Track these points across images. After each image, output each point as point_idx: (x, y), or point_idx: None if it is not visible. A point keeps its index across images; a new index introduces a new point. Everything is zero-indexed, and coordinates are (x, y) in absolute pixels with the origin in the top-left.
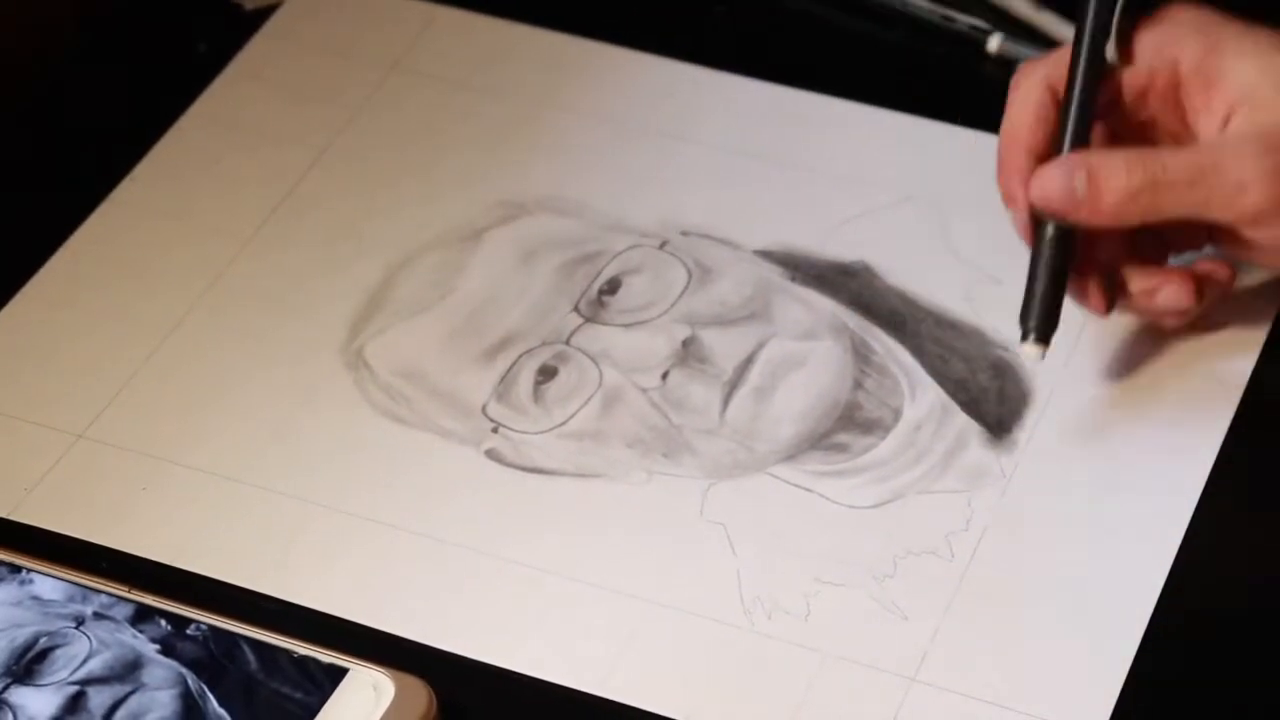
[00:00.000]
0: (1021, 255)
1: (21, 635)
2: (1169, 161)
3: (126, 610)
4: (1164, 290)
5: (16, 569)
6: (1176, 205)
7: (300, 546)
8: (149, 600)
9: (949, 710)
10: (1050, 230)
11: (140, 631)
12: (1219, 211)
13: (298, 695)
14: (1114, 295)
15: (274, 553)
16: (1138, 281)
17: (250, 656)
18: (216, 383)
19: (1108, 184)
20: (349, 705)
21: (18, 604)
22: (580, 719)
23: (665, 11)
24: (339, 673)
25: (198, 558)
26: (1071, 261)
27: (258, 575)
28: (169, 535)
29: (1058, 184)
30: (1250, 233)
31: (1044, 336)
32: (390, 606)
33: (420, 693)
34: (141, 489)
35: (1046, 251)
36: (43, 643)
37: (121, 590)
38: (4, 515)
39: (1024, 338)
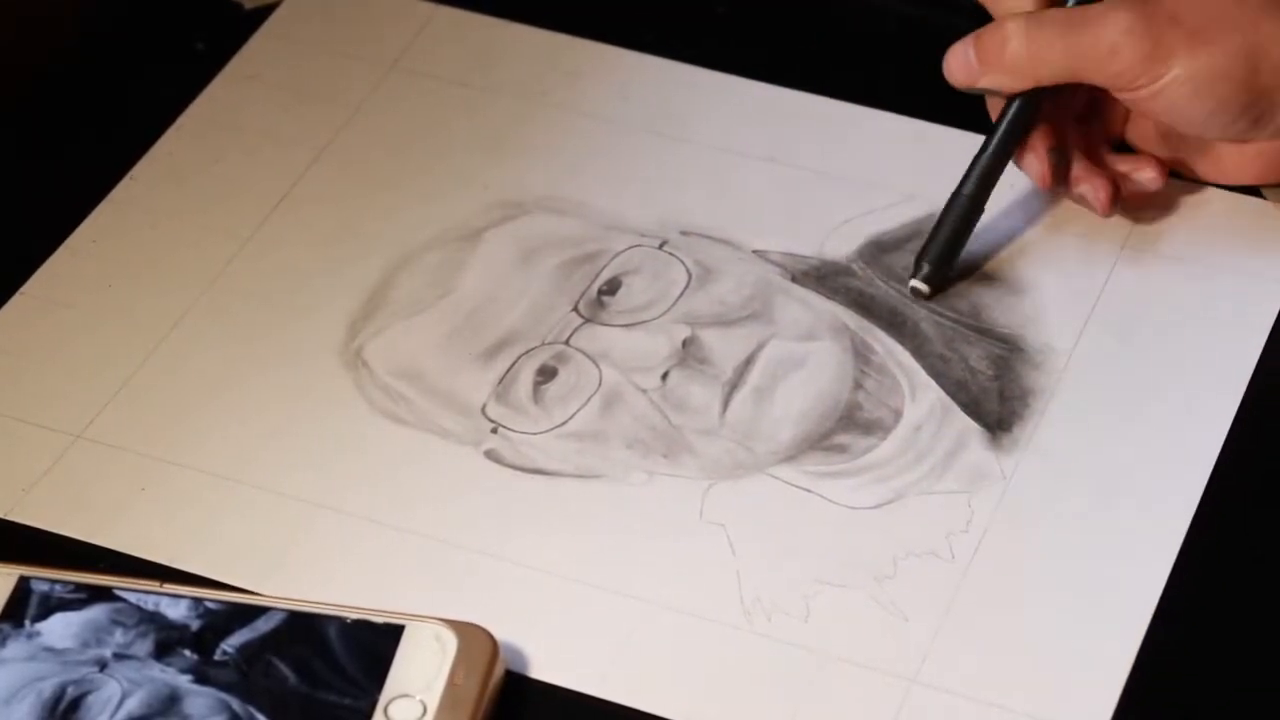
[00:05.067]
0: (1022, 255)
1: (47, 688)
2: (1046, 22)
3: (147, 646)
4: (1082, 184)
5: (20, 624)
6: (1059, 68)
7: (299, 547)
8: (184, 592)
9: (949, 711)
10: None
11: (167, 665)
12: (1098, 76)
13: (356, 673)
14: (1060, 172)
15: (272, 553)
16: (1118, 164)
17: (290, 670)
18: (215, 382)
19: (996, 51)
20: (417, 660)
21: (31, 658)
22: (579, 719)
23: (665, 11)
24: (396, 631)
25: (196, 558)
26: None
27: (256, 576)
28: (167, 535)
29: (957, 59)
30: (1139, 104)
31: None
32: (388, 606)
33: (483, 638)
34: (140, 489)
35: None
36: (71, 692)
37: (153, 586)
38: (1, 516)
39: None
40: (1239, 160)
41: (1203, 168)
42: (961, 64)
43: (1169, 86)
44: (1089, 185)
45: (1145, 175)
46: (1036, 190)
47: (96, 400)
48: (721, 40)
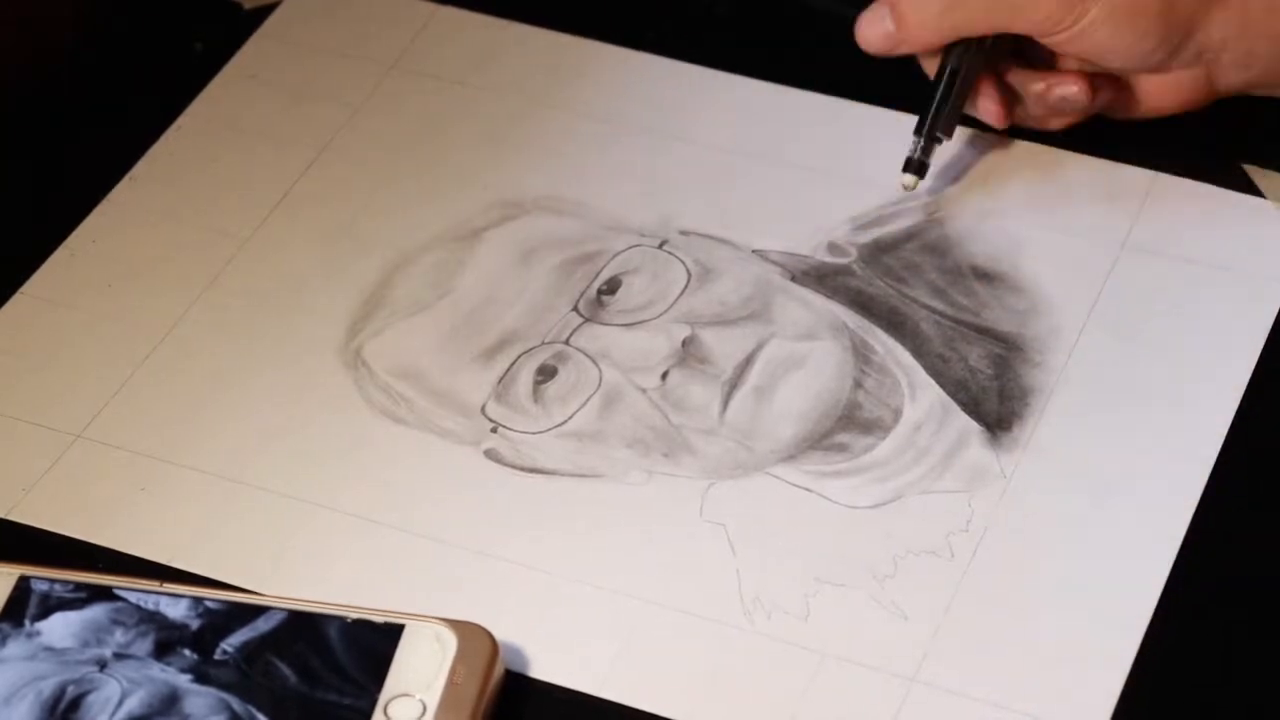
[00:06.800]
0: (1022, 255)
1: (47, 687)
2: None
3: (147, 645)
4: (1058, 88)
5: (20, 624)
6: (981, 23)
7: (298, 547)
8: (184, 591)
9: (949, 710)
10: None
11: (167, 664)
12: (1022, 24)
13: (356, 672)
14: (1010, 105)
15: (272, 553)
16: (1031, 84)
17: (290, 670)
18: (215, 383)
19: (913, 17)
20: (417, 660)
21: (32, 657)
22: (579, 719)
23: (665, 11)
24: (396, 631)
25: (196, 558)
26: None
27: (256, 576)
28: (167, 535)
29: (872, 28)
30: (1063, 46)
31: (919, 170)
32: (388, 606)
33: (483, 638)
34: (140, 489)
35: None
36: (71, 691)
37: (153, 586)
38: (2, 515)
39: (905, 167)
40: (1159, 92)
41: (1125, 103)
42: (880, 33)
43: (1090, 27)
44: (1062, 88)
45: (1069, 89)
46: (1036, 189)
47: (96, 400)
48: (721, 40)
